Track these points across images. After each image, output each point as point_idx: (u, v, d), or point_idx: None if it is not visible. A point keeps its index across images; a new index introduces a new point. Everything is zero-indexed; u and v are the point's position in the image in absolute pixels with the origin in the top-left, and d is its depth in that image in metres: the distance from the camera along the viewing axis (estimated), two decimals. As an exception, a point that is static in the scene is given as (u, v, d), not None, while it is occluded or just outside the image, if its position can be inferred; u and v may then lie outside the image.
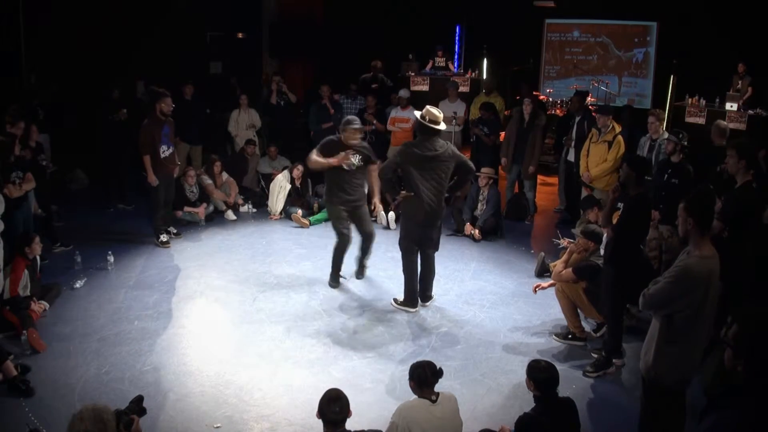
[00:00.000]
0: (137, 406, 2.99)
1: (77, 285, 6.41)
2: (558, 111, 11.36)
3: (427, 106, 5.79)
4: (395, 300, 6.23)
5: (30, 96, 8.60)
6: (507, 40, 12.00)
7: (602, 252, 5.47)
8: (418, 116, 5.76)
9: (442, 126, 5.74)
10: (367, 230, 6.53)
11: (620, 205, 5.22)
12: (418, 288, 6.14)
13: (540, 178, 9.66)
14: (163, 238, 7.57)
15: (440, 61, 11.88)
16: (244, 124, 9.76)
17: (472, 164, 6.06)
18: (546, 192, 9.98)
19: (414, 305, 6.12)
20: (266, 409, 4.59)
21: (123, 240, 7.67)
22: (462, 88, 10.33)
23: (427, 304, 6.22)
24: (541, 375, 3.64)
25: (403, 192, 5.83)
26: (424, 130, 5.73)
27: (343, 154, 6.22)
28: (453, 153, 5.80)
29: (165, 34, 10.28)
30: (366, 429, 3.64)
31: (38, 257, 6.03)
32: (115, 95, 8.77)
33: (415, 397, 3.69)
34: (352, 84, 9.98)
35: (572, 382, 4.97)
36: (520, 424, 3.59)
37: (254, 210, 8.97)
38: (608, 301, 5.11)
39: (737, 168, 5.14)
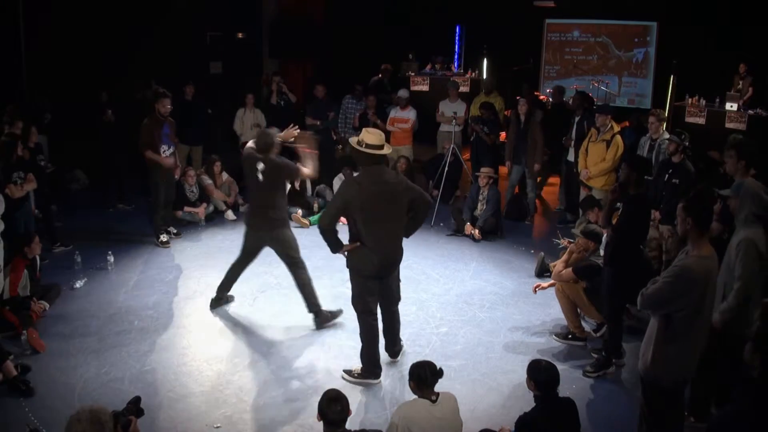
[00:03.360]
0: (135, 407, 2.98)
1: (77, 285, 6.41)
2: (558, 111, 11.33)
3: (364, 129, 4.80)
4: (349, 372, 4.95)
5: (38, 98, 8.59)
6: (507, 40, 12.00)
7: (602, 252, 5.47)
8: (354, 144, 4.69)
9: (387, 149, 4.74)
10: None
11: (620, 205, 5.22)
12: (379, 355, 4.99)
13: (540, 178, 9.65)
14: (163, 238, 7.57)
15: (439, 69, 11.89)
16: (249, 123, 9.75)
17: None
18: (546, 192, 9.98)
19: (377, 375, 4.93)
20: (266, 409, 4.59)
21: (123, 240, 7.66)
22: (462, 88, 10.32)
23: (398, 359, 5.17)
24: (541, 375, 3.63)
25: (347, 244, 4.78)
26: (367, 159, 4.64)
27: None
28: (407, 185, 4.77)
29: (165, 34, 10.28)
30: (366, 429, 3.64)
31: (38, 257, 6.03)
32: (102, 98, 8.71)
33: (415, 397, 3.69)
34: (357, 84, 9.96)
35: (572, 382, 4.97)
36: (520, 424, 3.59)
37: (254, 210, 8.93)
38: (608, 301, 5.12)
39: (736, 168, 5.13)
